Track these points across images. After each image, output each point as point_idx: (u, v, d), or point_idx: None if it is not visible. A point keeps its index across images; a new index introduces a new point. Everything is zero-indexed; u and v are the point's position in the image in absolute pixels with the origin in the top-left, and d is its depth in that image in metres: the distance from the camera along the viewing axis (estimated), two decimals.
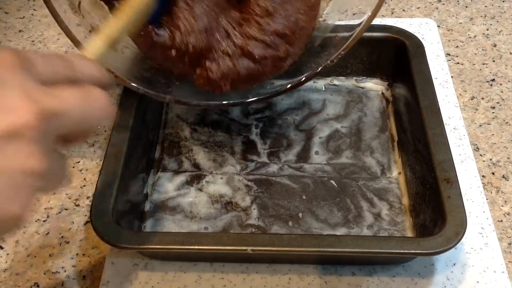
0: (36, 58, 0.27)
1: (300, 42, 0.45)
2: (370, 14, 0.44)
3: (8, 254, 0.46)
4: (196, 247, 0.39)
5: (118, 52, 0.46)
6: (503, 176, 0.50)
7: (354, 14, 0.47)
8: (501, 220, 0.47)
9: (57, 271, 0.45)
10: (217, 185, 0.49)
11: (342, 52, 0.45)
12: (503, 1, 0.67)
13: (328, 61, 0.46)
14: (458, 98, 0.56)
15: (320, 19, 0.48)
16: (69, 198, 0.49)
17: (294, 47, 0.45)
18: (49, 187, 0.28)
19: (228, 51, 0.43)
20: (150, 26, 0.43)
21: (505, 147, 0.52)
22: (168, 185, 0.49)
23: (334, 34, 0.47)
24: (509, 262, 0.44)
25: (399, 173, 0.49)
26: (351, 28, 0.45)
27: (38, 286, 0.44)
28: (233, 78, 0.44)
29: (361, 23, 0.44)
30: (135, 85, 0.46)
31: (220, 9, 0.43)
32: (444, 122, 0.46)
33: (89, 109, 0.28)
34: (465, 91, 0.57)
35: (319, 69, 0.46)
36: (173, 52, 0.43)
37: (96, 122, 0.29)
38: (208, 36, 0.43)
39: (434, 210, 0.42)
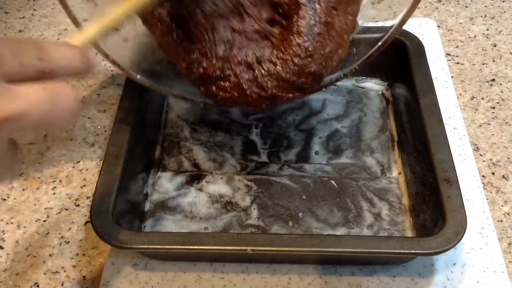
0: (2, 48, 0.26)
1: (331, 71, 0.44)
2: (403, 15, 0.43)
3: (8, 254, 0.46)
4: (196, 247, 0.39)
5: (128, 42, 0.46)
6: (503, 176, 0.50)
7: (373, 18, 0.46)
8: (501, 220, 0.47)
9: (57, 271, 0.45)
10: (217, 185, 0.49)
11: (375, 54, 0.44)
12: (503, 1, 0.67)
13: (357, 63, 0.45)
14: (458, 98, 0.56)
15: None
16: (69, 198, 0.49)
17: (323, 79, 0.43)
18: None
19: (245, 85, 0.42)
20: (169, 19, 0.42)
21: (505, 147, 0.52)
22: (168, 185, 0.49)
23: (365, 35, 0.46)
24: (509, 262, 0.44)
25: (399, 173, 0.49)
26: (382, 29, 0.45)
27: (38, 286, 0.44)
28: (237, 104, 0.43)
29: (392, 25, 0.44)
30: (141, 77, 0.45)
31: (249, 39, 0.42)
32: (444, 122, 0.46)
33: (52, 111, 0.27)
34: (465, 91, 0.57)
35: (347, 71, 0.45)
36: (183, 64, 0.43)
37: (59, 123, 0.28)
38: (225, 64, 0.42)
39: (434, 210, 0.42)
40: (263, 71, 0.42)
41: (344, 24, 0.43)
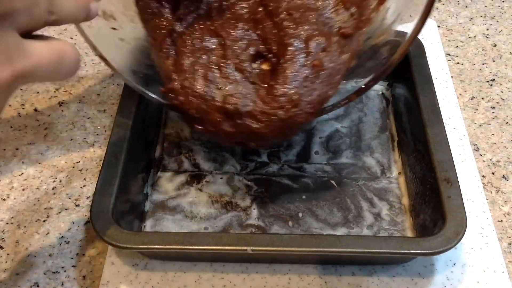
0: (19, 3, 0.28)
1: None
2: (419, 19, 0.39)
3: (8, 254, 0.46)
4: (196, 247, 0.39)
5: (124, 42, 0.45)
6: (503, 176, 0.50)
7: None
8: (501, 220, 0.47)
9: (57, 271, 0.45)
10: (217, 185, 0.49)
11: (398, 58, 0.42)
12: (503, 1, 0.67)
13: (342, 101, 0.43)
14: (458, 98, 0.56)
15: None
16: (69, 198, 0.49)
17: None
18: None
19: (223, 139, 0.40)
20: (167, 37, 0.42)
21: (505, 147, 0.52)
22: (168, 185, 0.49)
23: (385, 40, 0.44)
24: (509, 262, 0.44)
25: (399, 173, 0.49)
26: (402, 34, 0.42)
27: (38, 286, 0.44)
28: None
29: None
30: (128, 78, 0.45)
31: (232, 80, 0.40)
32: (444, 122, 0.46)
33: (57, 70, 0.30)
34: (465, 91, 0.57)
35: (367, 80, 0.42)
36: (163, 88, 0.42)
37: (63, 78, 0.31)
38: (202, 104, 0.40)
39: (434, 210, 0.42)
40: (243, 128, 0.39)
41: (337, 64, 0.40)
